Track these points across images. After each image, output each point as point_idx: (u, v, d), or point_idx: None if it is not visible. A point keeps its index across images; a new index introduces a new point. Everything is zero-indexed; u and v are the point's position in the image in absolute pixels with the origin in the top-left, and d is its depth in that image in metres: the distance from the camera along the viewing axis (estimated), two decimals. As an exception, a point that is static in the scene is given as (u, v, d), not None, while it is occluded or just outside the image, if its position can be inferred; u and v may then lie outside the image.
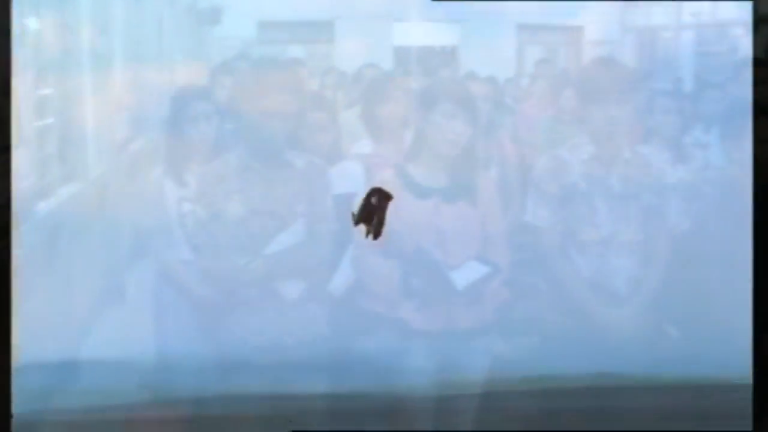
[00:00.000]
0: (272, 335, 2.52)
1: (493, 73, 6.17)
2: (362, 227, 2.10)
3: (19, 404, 2.13)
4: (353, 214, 2.17)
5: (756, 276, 2.36)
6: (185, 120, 2.96)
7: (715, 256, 2.77)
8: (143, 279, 2.78)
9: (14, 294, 2.28)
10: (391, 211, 2.35)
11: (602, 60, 2.88)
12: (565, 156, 2.82)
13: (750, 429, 2.18)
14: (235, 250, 2.49)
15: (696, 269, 2.76)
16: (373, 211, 2.19)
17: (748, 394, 2.20)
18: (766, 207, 2.50)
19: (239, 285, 2.50)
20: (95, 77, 5.01)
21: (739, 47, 3.39)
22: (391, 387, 2.43)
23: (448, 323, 2.66)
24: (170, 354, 2.67)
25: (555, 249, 2.79)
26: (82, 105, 4.76)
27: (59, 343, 2.56)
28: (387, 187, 2.16)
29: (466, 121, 2.67)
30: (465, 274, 2.58)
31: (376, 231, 2.15)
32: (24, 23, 3.25)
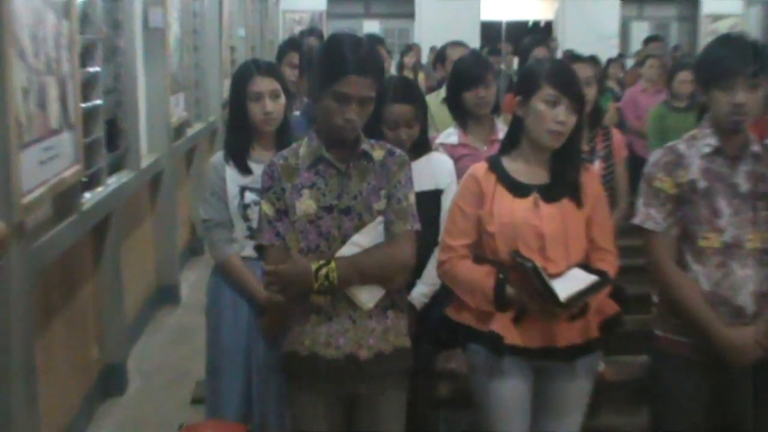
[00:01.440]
0: (346, 348, 2.39)
1: (595, 52, 5.98)
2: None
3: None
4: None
5: None
6: (250, 99, 2.89)
7: None
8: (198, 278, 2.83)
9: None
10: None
11: (724, 37, 2.61)
12: (681, 149, 2.59)
13: None
14: (304, 251, 2.38)
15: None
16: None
17: None
18: None
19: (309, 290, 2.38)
20: (153, 54, 5.31)
21: None
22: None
23: (547, 339, 2.49)
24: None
25: (669, 256, 2.58)
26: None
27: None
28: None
29: (570, 108, 2.48)
30: (568, 284, 2.39)
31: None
32: None
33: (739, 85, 2.44)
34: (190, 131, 6.60)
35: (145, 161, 5.13)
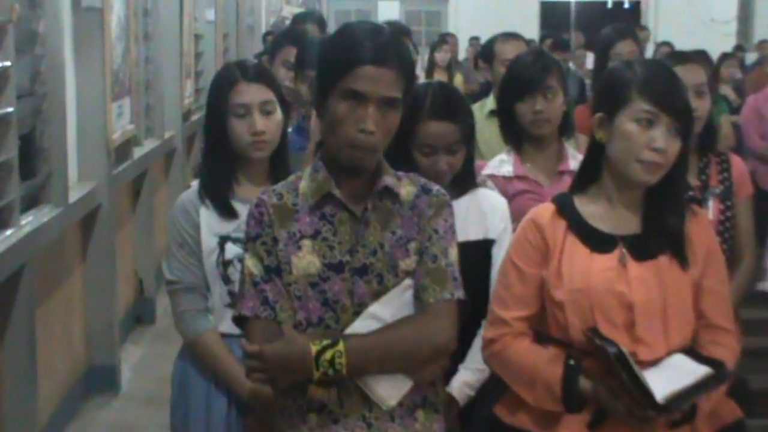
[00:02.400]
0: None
1: (701, 45, 5.93)
2: None
3: None
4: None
5: None
6: (233, 115, 2.96)
7: None
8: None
9: None
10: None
11: None
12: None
13: None
14: (303, 326, 2.40)
15: None
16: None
17: None
18: None
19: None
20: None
21: None
22: None
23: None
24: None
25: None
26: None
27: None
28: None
29: (672, 129, 2.50)
30: (668, 377, 2.40)
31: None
32: None
33: None
34: (138, 152, 6.68)
35: (75, 193, 5.19)
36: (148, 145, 7.06)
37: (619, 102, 2.52)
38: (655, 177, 2.51)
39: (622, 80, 2.55)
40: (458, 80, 10.33)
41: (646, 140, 2.48)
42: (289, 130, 4.09)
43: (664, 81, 2.53)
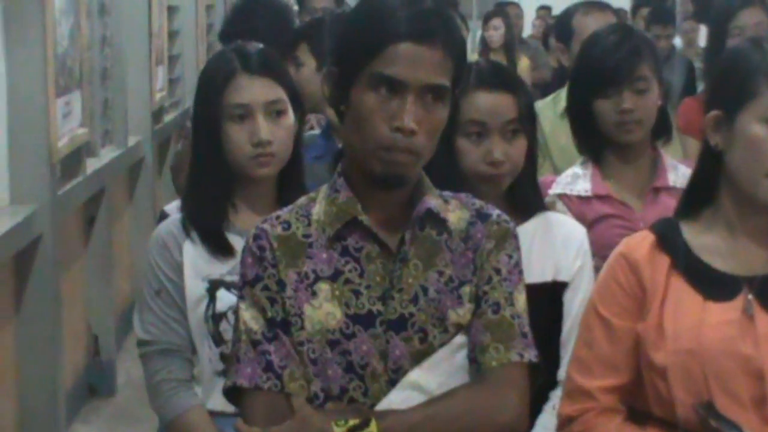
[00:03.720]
0: None
1: None
2: None
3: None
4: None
5: None
6: (229, 119, 3.02)
7: None
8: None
9: None
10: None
11: None
12: None
13: None
14: (320, 399, 2.44)
15: None
16: None
17: None
18: None
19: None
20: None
21: None
22: None
23: None
24: None
25: None
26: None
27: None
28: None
29: None
30: None
31: None
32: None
33: None
34: (92, 164, 6.74)
35: (5, 221, 5.23)
36: (106, 155, 7.12)
37: (744, 96, 2.52)
38: None
39: (748, 65, 2.55)
40: (524, 65, 10.33)
41: None
42: (315, 132, 4.12)
43: None
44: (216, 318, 2.93)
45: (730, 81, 2.58)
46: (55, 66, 5.72)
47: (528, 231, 3.01)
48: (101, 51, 7.13)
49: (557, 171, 3.81)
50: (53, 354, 5.71)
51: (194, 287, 2.94)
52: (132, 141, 7.70)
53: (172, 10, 9.11)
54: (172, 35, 9.19)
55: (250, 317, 2.42)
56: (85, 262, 6.88)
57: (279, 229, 2.46)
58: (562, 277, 3.04)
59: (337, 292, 2.41)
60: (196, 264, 2.96)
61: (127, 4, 7.67)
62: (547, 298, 3.01)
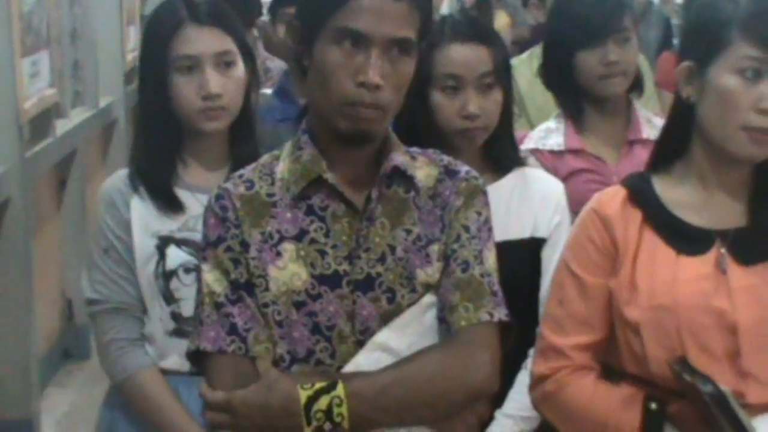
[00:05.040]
0: None
1: None
2: None
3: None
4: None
5: None
6: (177, 71, 2.99)
7: None
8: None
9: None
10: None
11: None
12: None
13: None
14: (286, 361, 2.44)
15: None
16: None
17: None
18: None
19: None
20: None
21: None
22: None
23: None
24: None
25: None
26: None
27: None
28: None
29: None
30: None
31: None
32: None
33: None
34: (62, 126, 6.72)
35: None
36: (77, 116, 7.10)
37: (716, 46, 2.51)
38: (765, 149, 2.51)
39: (720, 15, 2.54)
40: (501, 21, 10.30)
41: (752, 99, 2.48)
42: (268, 91, 4.11)
43: None
44: (166, 276, 2.92)
45: (701, 31, 2.57)
46: (21, 25, 5.69)
47: (506, 187, 3.02)
48: (70, 9, 7.10)
49: (531, 125, 3.82)
50: (25, 319, 5.71)
51: (143, 244, 2.92)
52: (104, 102, 7.69)
53: (145, -32, 9.11)
54: (145, -4, 9.18)
55: (213, 279, 2.41)
56: (57, 226, 6.86)
57: (242, 189, 2.44)
58: (541, 233, 3.05)
59: (302, 253, 2.40)
60: (145, 220, 2.94)
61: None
62: (526, 255, 3.02)
